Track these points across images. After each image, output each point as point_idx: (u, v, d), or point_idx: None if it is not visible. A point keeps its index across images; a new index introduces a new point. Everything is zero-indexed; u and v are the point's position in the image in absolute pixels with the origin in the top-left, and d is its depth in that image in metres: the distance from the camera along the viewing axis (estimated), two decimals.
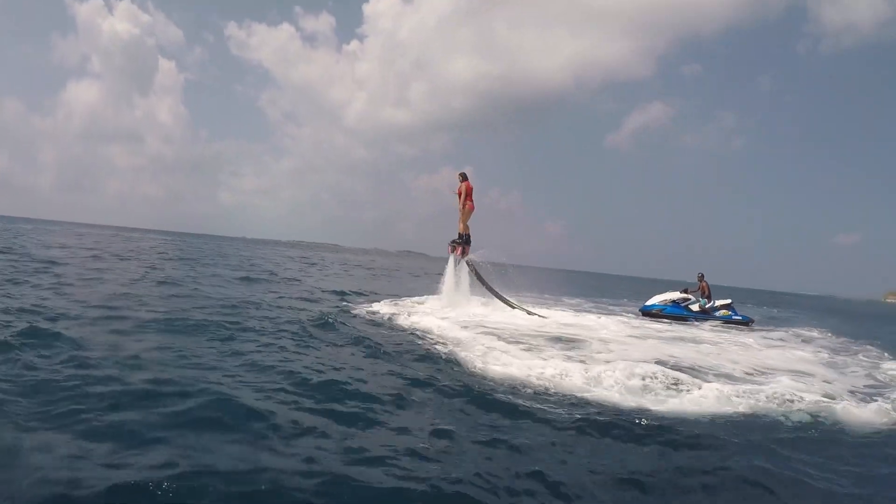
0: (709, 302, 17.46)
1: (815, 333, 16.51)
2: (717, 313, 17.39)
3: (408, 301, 14.07)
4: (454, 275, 13.98)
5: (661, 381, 6.50)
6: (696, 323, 16.53)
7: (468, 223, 14.16)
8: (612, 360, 7.39)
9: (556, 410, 5.29)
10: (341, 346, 7.63)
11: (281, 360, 6.28)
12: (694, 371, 7.53)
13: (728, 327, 16.26)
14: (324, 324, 9.02)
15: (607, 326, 12.44)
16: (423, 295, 15.25)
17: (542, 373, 6.56)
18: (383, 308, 12.06)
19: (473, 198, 13.99)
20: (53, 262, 15.99)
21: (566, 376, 6.51)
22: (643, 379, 6.50)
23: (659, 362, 7.60)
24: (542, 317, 13.10)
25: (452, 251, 14.24)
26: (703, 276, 17.64)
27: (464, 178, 13.79)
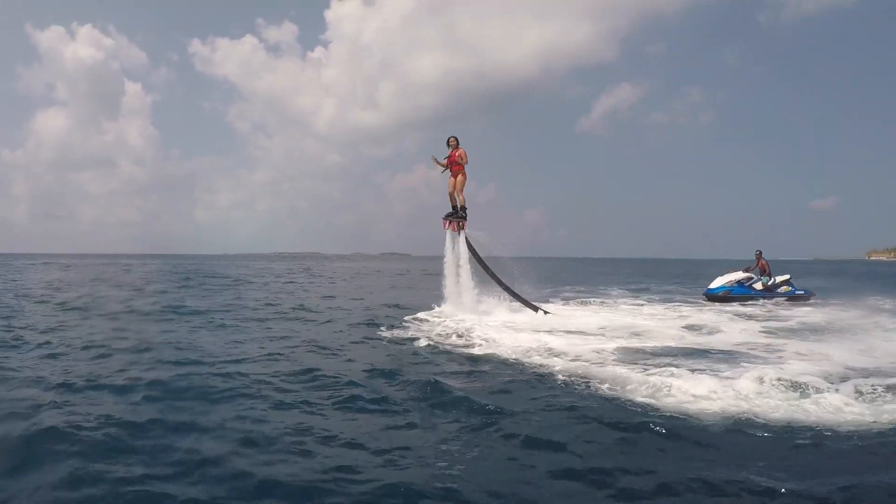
0: (769, 279, 17.31)
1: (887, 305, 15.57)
2: (780, 290, 17.26)
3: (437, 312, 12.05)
4: (453, 260, 12.42)
5: None
6: (763, 301, 16.38)
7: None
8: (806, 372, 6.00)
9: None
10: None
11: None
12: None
13: (795, 304, 16.11)
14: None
15: (708, 324, 10.96)
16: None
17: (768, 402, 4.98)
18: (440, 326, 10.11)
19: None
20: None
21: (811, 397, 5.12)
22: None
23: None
24: (545, 312, 12.01)
25: (448, 226, 12.54)
26: (761, 253, 17.44)
27: (456, 143, 12.19)
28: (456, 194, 12.32)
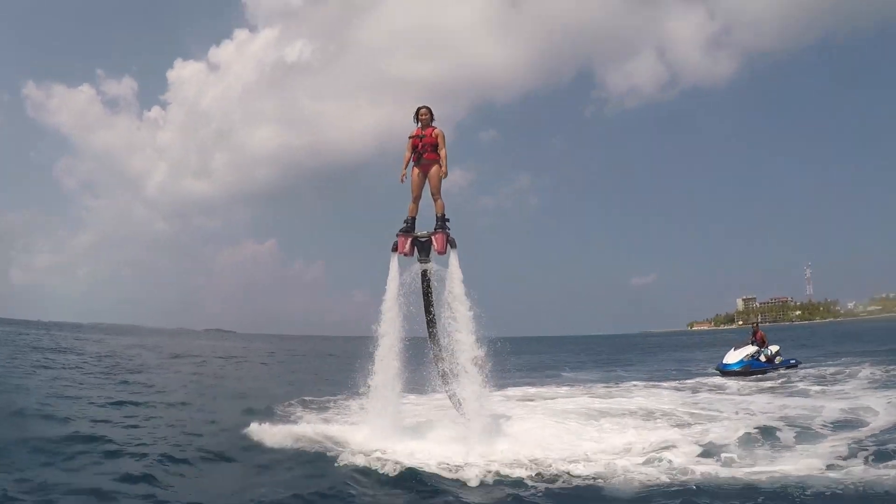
0: (768, 350, 19.43)
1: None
2: (776, 360, 19.41)
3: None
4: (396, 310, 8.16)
5: None
6: (776, 373, 18.23)
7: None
8: None
9: None
10: None
11: None
12: None
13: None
14: None
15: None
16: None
17: None
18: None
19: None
20: None
21: None
22: None
23: None
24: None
25: (405, 247, 8.39)
26: (758, 325, 19.68)
27: (429, 117, 8.46)
28: (433, 195, 8.39)
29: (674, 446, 7.62)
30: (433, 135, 8.26)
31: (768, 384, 15.59)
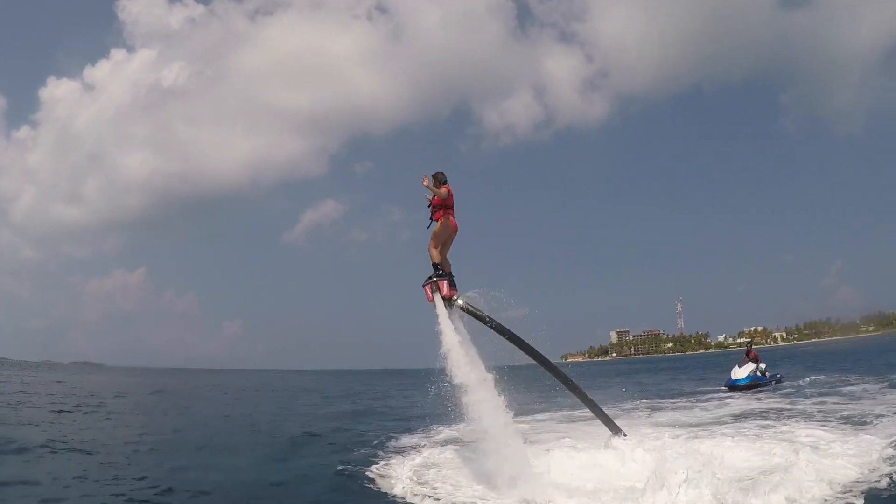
0: (761, 366, 22.10)
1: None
2: (767, 375, 22.15)
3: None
4: (457, 342, 8.42)
5: None
6: (772, 385, 20.81)
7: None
8: None
9: None
10: None
11: None
12: None
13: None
14: None
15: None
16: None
17: None
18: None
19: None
20: None
21: None
22: None
23: None
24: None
25: (434, 292, 9.00)
26: (751, 344, 22.30)
27: (443, 179, 9.16)
28: (430, 247, 9.21)
29: None
30: (437, 196, 9.09)
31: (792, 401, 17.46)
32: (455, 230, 9.14)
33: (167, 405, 22.20)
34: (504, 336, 8.69)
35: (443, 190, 8.94)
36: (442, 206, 9.04)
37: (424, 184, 8.86)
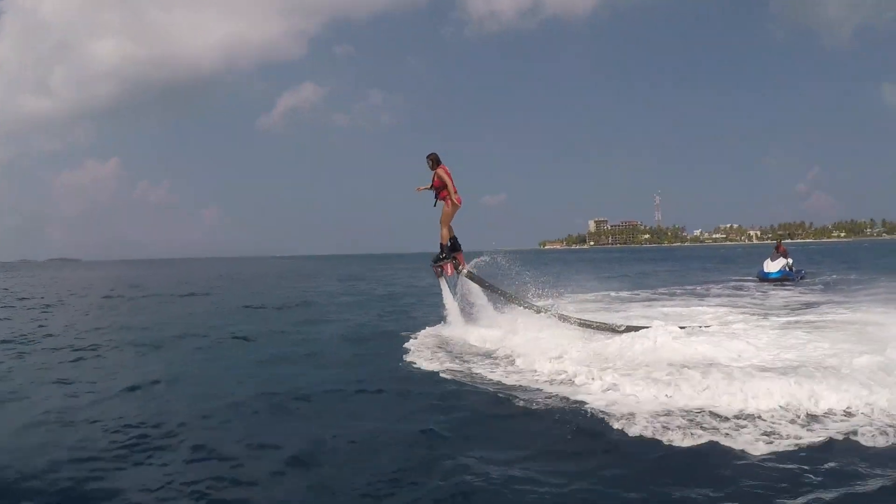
0: (789, 261, 22.00)
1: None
2: (793, 270, 22.11)
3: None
4: (456, 303, 10.45)
5: None
6: (800, 279, 20.85)
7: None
8: None
9: None
10: None
11: None
12: None
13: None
14: None
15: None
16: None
17: None
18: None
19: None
20: None
21: None
22: None
23: None
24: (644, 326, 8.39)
25: (441, 273, 10.59)
26: (781, 239, 22.01)
27: (437, 161, 10.20)
28: (441, 226, 10.46)
29: None
30: (435, 177, 10.20)
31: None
32: (460, 204, 10.28)
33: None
34: (503, 296, 10.26)
35: (439, 171, 10.07)
36: (444, 187, 10.09)
37: (418, 190, 10.47)
